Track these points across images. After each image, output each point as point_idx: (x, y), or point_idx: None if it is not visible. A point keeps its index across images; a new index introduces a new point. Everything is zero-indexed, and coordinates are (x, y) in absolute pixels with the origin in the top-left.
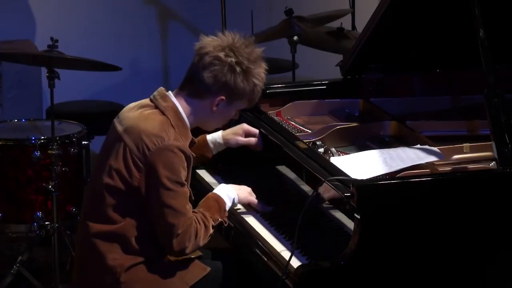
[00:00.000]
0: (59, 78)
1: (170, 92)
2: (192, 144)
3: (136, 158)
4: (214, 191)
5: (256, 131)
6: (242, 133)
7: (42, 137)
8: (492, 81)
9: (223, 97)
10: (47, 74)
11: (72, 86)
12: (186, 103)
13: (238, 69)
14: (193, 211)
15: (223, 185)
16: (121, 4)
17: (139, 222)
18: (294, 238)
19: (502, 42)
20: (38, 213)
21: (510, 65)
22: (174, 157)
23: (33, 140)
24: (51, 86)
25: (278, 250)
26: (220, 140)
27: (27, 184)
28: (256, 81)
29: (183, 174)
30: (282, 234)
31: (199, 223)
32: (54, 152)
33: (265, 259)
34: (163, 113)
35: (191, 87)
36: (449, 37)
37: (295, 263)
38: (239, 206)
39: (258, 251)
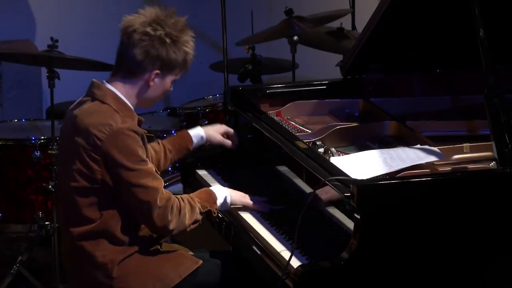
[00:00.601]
0: (59, 78)
1: (103, 81)
2: (139, 123)
3: (90, 152)
4: (210, 187)
5: (232, 131)
6: (222, 132)
7: (42, 137)
8: (492, 81)
9: (158, 71)
10: (47, 74)
11: (72, 86)
12: (123, 86)
13: (168, 40)
14: (180, 195)
15: (218, 185)
16: (121, 4)
17: (118, 213)
18: (294, 238)
19: (502, 42)
20: (38, 213)
21: (510, 65)
22: (127, 139)
23: (33, 140)
24: (51, 86)
25: (278, 250)
26: (203, 134)
27: (27, 184)
28: (186, 49)
29: (142, 151)
30: (282, 234)
31: (183, 201)
32: (54, 152)
33: (265, 259)
34: (103, 102)
35: (124, 68)
36: (449, 37)
37: (295, 263)
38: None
39: (258, 251)
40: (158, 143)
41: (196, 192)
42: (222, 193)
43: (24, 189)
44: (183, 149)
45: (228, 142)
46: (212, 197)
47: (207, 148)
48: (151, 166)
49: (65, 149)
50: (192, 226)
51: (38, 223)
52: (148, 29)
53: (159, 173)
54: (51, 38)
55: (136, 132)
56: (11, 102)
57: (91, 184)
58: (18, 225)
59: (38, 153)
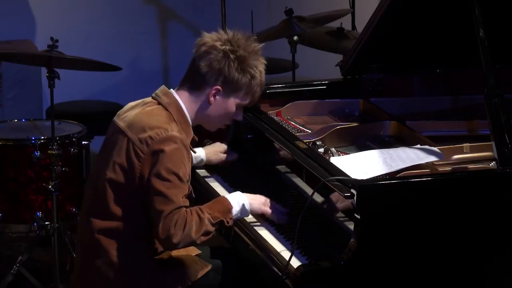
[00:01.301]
0: (59, 78)
1: (172, 89)
2: (193, 142)
3: (138, 150)
4: (227, 195)
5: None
6: (222, 151)
7: (42, 137)
8: (492, 81)
9: (219, 87)
10: (47, 74)
11: (72, 86)
12: (187, 98)
13: (232, 56)
14: (190, 208)
15: (237, 192)
16: (121, 4)
17: (142, 219)
18: (294, 238)
19: (502, 42)
20: (38, 213)
21: (510, 65)
22: (176, 148)
23: (33, 140)
24: (51, 86)
25: (278, 250)
26: (203, 157)
27: (27, 184)
28: (253, 72)
29: (182, 168)
30: (282, 234)
31: (191, 214)
32: (54, 152)
33: (265, 259)
34: (166, 109)
35: (190, 81)
36: (449, 37)
37: (295, 263)
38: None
39: (258, 251)
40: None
41: (210, 202)
42: (239, 200)
43: (24, 189)
44: None
45: (226, 160)
46: (226, 206)
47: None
48: (185, 186)
49: (112, 140)
50: (203, 238)
51: (38, 223)
52: (217, 44)
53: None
54: (51, 38)
55: (185, 147)
56: (11, 102)
57: (128, 181)
58: (18, 225)
59: (38, 153)
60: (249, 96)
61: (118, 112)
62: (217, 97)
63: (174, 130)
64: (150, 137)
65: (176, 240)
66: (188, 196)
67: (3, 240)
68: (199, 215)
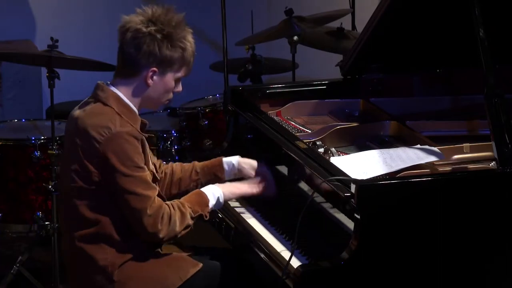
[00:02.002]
0: (59, 78)
1: (107, 82)
2: (143, 126)
3: (87, 154)
4: (202, 188)
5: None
6: (256, 169)
7: (42, 137)
8: (492, 81)
9: (154, 68)
10: (47, 74)
11: (72, 86)
12: (125, 87)
13: (159, 36)
14: (171, 202)
15: (211, 185)
16: (121, 4)
17: (116, 217)
18: (294, 238)
19: (502, 42)
20: (38, 213)
21: (510, 65)
22: (124, 143)
23: (33, 140)
24: (51, 86)
25: (278, 250)
26: (236, 164)
27: (27, 184)
28: (182, 45)
29: (139, 158)
30: (282, 234)
31: (174, 209)
32: (54, 152)
33: (265, 259)
34: (105, 104)
35: (124, 69)
36: (449, 37)
37: (295, 263)
38: (236, 203)
39: (258, 251)
40: (191, 162)
41: (188, 195)
42: (214, 193)
43: (24, 189)
44: (210, 174)
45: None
46: (204, 199)
47: (207, 148)
48: (146, 173)
49: (67, 149)
50: (183, 232)
51: (38, 223)
52: (140, 26)
53: (158, 178)
54: (51, 38)
55: (135, 137)
56: (11, 102)
57: (88, 185)
58: (18, 225)
59: (38, 153)
60: (184, 67)
61: (67, 119)
62: (154, 77)
63: (117, 125)
64: (95, 140)
65: (162, 234)
66: (154, 181)
67: (3, 240)
68: (181, 210)
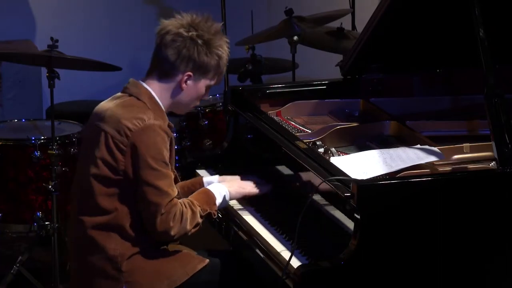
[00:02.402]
0: (59, 78)
1: (140, 80)
2: (169, 127)
3: (118, 142)
4: (208, 186)
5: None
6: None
7: (42, 137)
8: (492, 81)
9: (190, 73)
10: (47, 74)
11: (72, 86)
12: (157, 87)
13: (199, 41)
14: (182, 200)
15: (216, 183)
16: (121, 4)
17: (133, 209)
18: (294, 238)
19: (502, 42)
20: (38, 213)
21: (510, 65)
22: (156, 136)
23: (33, 140)
24: (51, 86)
25: (278, 250)
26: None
27: (27, 184)
28: (219, 53)
29: (166, 154)
30: (282, 234)
31: (186, 207)
32: (54, 152)
33: (265, 259)
34: (138, 99)
35: (159, 70)
36: (449, 37)
37: (295, 263)
38: (235, 202)
39: (258, 251)
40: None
41: (195, 193)
42: (221, 191)
43: (24, 189)
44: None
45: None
46: (211, 198)
47: (207, 148)
48: (170, 172)
49: (90, 138)
50: (193, 230)
51: (38, 223)
52: (181, 30)
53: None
54: (51, 38)
55: (165, 132)
56: (11, 102)
57: (113, 174)
58: (18, 225)
59: (38, 153)
60: (217, 75)
61: (92, 113)
62: (188, 82)
63: (150, 118)
64: (128, 128)
65: (173, 232)
66: (175, 181)
67: (3, 240)
68: (192, 209)
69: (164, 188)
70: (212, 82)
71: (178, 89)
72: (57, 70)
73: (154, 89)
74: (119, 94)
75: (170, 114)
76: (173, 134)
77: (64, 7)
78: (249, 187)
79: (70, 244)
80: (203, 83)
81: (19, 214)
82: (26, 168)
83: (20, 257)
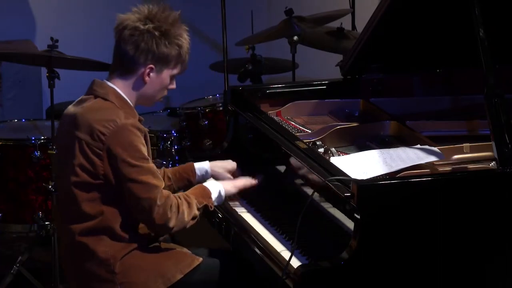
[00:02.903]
0: (59, 78)
1: (104, 80)
2: (140, 122)
3: (93, 147)
4: (203, 183)
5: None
6: (230, 169)
7: (42, 137)
8: (492, 81)
9: (152, 65)
10: (47, 74)
11: (72, 86)
12: (122, 84)
13: (157, 33)
14: (176, 194)
15: (210, 180)
16: (121, 4)
17: (119, 210)
18: (294, 238)
19: (502, 42)
20: (38, 213)
21: (510, 65)
22: (130, 135)
23: (33, 140)
24: (51, 86)
25: (278, 250)
26: (209, 170)
27: (27, 184)
28: (179, 42)
29: (144, 149)
30: (282, 234)
31: (180, 199)
32: (54, 152)
33: (265, 259)
34: (105, 99)
35: (120, 66)
36: (449, 37)
37: (295, 263)
38: (236, 203)
39: (258, 251)
40: (160, 168)
41: (190, 189)
42: (216, 187)
43: (24, 189)
44: (183, 179)
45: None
46: (207, 192)
47: (207, 148)
48: (152, 164)
49: (64, 146)
50: (192, 222)
51: (38, 223)
52: (137, 24)
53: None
54: (51, 38)
55: (139, 129)
56: (11, 102)
57: (93, 179)
58: (18, 225)
59: (38, 153)
60: (180, 64)
61: (60, 119)
62: (151, 74)
63: (121, 118)
64: (101, 133)
65: (172, 224)
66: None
67: (3, 240)
68: (187, 201)
69: (150, 181)
70: (175, 71)
71: (141, 82)
72: (57, 70)
73: (119, 86)
74: (84, 96)
75: (170, 114)
76: (146, 128)
77: (64, 7)
78: (242, 181)
79: (62, 251)
80: (165, 74)
81: (19, 214)
82: (26, 168)
83: (20, 257)
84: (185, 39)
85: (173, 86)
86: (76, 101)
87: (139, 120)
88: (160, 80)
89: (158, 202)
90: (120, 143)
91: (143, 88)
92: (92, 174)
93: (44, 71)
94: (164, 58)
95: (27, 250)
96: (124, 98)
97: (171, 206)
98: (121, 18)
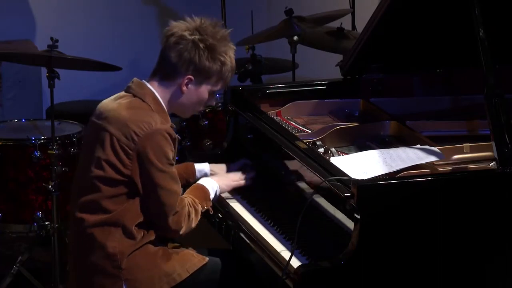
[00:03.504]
0: (59, 78)
1: (144, 80)
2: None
3: (125, 146)
4: (200, 181)
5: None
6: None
7: (42, 137)
8: (492, 81)
9: (191, 76)
10: (47, 74)
11: (72, 86)
12: (160, 88)
13: (201, 45)
14: (185, 198)
15: (207, 178)
16: (121, 4)
17: (134, 209)
18: (294, 238)
19: (502, 42)
20: (38, 213)
21: (510, 65)
22: (162, 140)
23: (33, 140)
24: (51, 86)
25: (278, 250)
26: (208, 172)
27: (27, 184)
28: (223, 59)
29: (172, 155)
30: (282, 234)
31: (191, 206)
32: (54, 152)
33: (265, 259)
34: (142, 100)
35: (162, 71)
36: (449, 37)
37: (295, 263)
38: (236, 203)
39: (258, 251)
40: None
41: (192, 190)
42: (213, 186)
43: (24, 189)
44: (182, 179)
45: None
46: (207, 194)
47: (207, 148)
48: (175, 170)
49: (94, 138)
50: (194, 226)
51: (38, 223)
52: (185, 33)
53: None
54: (51, 38)
55: (170, 135)
56: (11, 102)
57: (118, 176)
58: (18, 225)
59: (38, 153)
60: (221, 82)
61: (95, 111)
62: (189, 85)
63: (157, 122)
64: (135, 133)
65: (182, 231)
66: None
67: (3, 240)
68: (195, 208)
69: (173, 188)
70: (215, 88)
71: (179, 92)
72: (57, 70)
73: (157, 90)
74: (122, 93)
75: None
76: (177, 136)
77: (64, 7)
78: (236, 179)
79: (69, 242)
80: (204, 88)
81: (19, 214)
82: (26, 168)
83: (20, 257)
84: (229, 58)
85: (212, 102)
86: (114, 96)
87: (171, 127)
88: (198, 93)
89: (176, 209)
90: (151, 146)
91: (179, 97)
92: (118, 171)
93: (44, 71)
94: (205, 72)
95: (27, 250)
96: (161, 103)
97: (185, 215)
98: (172, 25)
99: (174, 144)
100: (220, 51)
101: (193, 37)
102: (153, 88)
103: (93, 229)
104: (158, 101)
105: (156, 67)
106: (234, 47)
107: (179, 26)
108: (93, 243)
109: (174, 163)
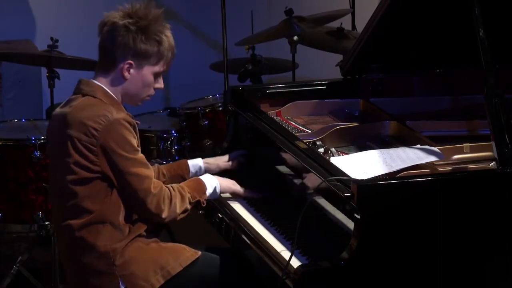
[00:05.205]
0: (59, 78)
1: (90, 79)
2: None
3: (88, 144)
4: (200, 176)
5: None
6: (223, 166)
7: (42, 137)
8: (492, 81)
9: (130, 61)
10: (47, 74)
11: (72, 86)
12: (105, 80)
13: (133, 28)
14: (171, 185)
15: (207, 174)
16: (121, 5)
17: (116, 203)
18: (294, 238)
19: (502, 42)
20: (38, 213)
21: (510, 65)
22: (122, 128)
23: (33, 140)
24: (51, 86)
25: (278, 250)
26: (202, 166)
27: (27, 184)
28: (158, 38)
29: (135, 141)
30: (282, 234)
31: (174, 190)
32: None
33: (265, 259)
34: (93, 97)
35: (103, 63)
36: (449, 37)
37: (295, 263)
38: (236, 203)
39: (258, 251)
40: (154, 165)
41: (186, 181)
42: (212, 182)
43: (24, 189)
44: (177, 176)
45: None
46: (202, 186)
47: (207, 148)
48: (142, 155)
49: (57, 146)
50: (182, 215)
51: (38, 223)
52: (116, 20)
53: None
54: (51, 38)
55: (129, 123)
56: (11, 102)
57: (90, 174)
58: (18, 225)
59: (38, 153)
60: (162, 61)
61: (50, 122)
62: (131, 71)
63: (113, 113)
64: (94, 129)
65: (164, 215)
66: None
67: (3, 240)
68: (181, 193)
69: (144, 173)
70: (157, 69)
71: (122, 78)
72: (57, 70)
73: (104, 83)
74: (72, 97)
75: (170, 114)
76: (135, 121)
77: (64, 7)
78: (238, 187)
79: (61, 250)
80: (146, 71)
81: (19, 214)
82: (26, 168)
83: (20, 257)
84: (166, 36)
85: (160, 85)
86: (63, 102)
87: (127, 115)
88: (141, 77)
89: (153, 191)
90: (113, 137)
91: (124, 84)
92: (89, 170)
93: (44, 71)
94: (142, 54)
95: (27, 250)
96: (111, 95)
97: (164, 197)
98: (104, 16)
99: (135, 130)
100: (155, 31)
101: (124, 21)
102: (100, 83)
103: (81, 232)
104: (108, 93)
105: (98, 62)
106: (169, 25)
107: (111, 15)
108: (84, 245)
109: (140, 148)
